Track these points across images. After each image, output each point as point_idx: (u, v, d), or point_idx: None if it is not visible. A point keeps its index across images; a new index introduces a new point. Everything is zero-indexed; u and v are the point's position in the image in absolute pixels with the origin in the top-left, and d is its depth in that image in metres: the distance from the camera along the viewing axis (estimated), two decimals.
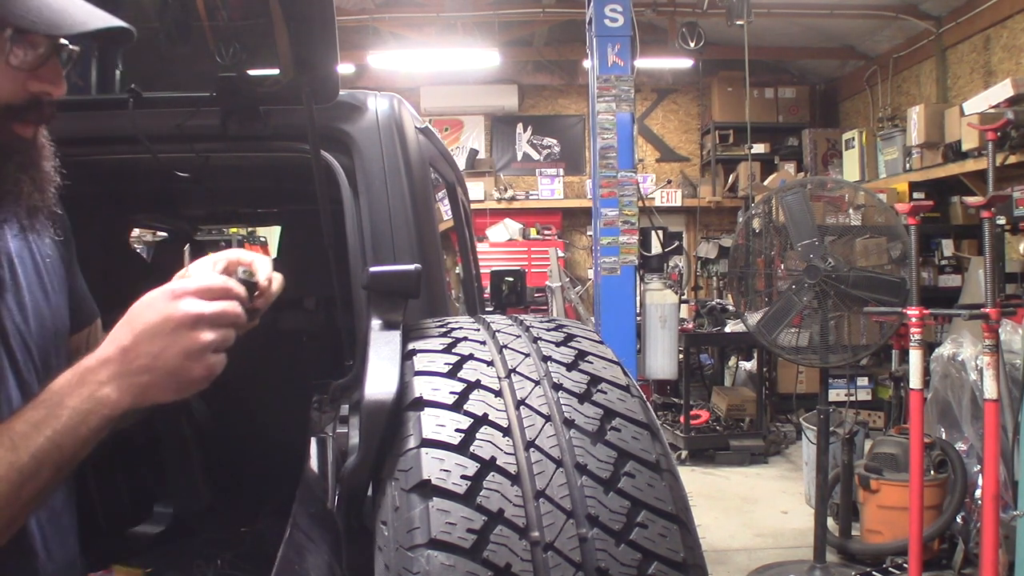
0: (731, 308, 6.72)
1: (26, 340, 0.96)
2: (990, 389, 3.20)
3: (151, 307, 0.84)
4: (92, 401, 0.81)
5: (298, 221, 2.72)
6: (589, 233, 9.26)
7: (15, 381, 0.93)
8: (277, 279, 0.97)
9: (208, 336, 0.83)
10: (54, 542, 1.00)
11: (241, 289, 0.89)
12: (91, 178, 0.98)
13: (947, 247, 7.09)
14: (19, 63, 0.84)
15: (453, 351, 0.92)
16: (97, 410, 0.81)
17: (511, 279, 2.88)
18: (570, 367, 0.90)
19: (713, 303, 7.31)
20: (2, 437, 0.78)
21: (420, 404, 0.84)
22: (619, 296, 5.37)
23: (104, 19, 0.87)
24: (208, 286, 0.86)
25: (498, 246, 9.74)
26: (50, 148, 0.92)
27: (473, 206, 3.66)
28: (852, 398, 5.26)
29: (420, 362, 0.90)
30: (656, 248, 6.87)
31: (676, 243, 8.60)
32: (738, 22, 6.68)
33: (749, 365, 7.47)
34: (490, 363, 0.91)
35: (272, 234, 7.97)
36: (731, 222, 9.94)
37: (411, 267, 0.97)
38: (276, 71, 1.35)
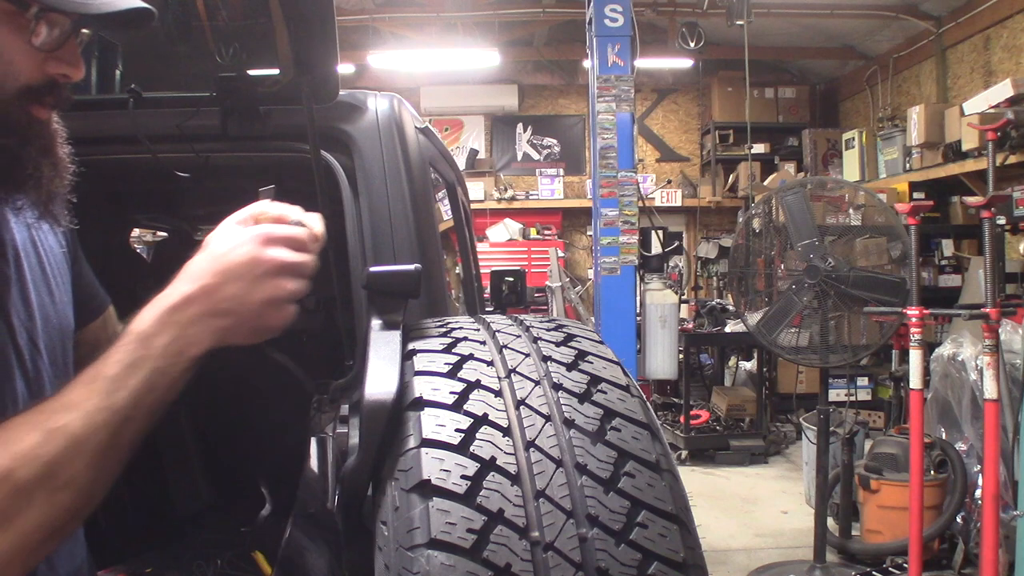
0: (731, 308, 6.72)
1: (32, 337, 0.95)
2: (990, 389, 3.20)
3: (239, 248, 0.83)
4: (181, 341, 0.79)
5: None
6: (589, 233, 9.26)
7: (22, 379, 0.92)
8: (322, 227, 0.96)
9: (291, 286, 0.83)
10: (58, 552, 0.99)
11: (316, 244, 0.89)
12: (91, 178, 0.98)
13: (947, 247, 7.10)
14: (40, 43, 0.83)
15: (453, 351, 0.92)
16: (186, 350, 0.80)
17: (511, 279, 2.88)
18: (570, 367, 0.90)
19: (713, 303, 7.31)
20: (96, 383, 0.77)
21: (420, 404, 0.84)
22: (619, 296, 5.38)
23: (127, 0, 0.86)
24: (294, 236, 0.86)
25: (498, 246, 9.74)
26: (64, 134, 0.92)
27: (473, 206, 3.66)
28: (852, 398, 5.26)
29: (420, 362, 0.90)
30: (656, 248, 6.87)
31: (676, 243, 8.58)
32: (738, 22, 6.68)
33: (749, 365, 7.48)
34: (490, 363, 0.90)
35: None
36: (731, 222, 9.94)
37: (411, 267, 0.97)
38: (276, 71, 1.35)
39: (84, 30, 0.87)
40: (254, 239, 0.84)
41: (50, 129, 0.89)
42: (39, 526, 0.71)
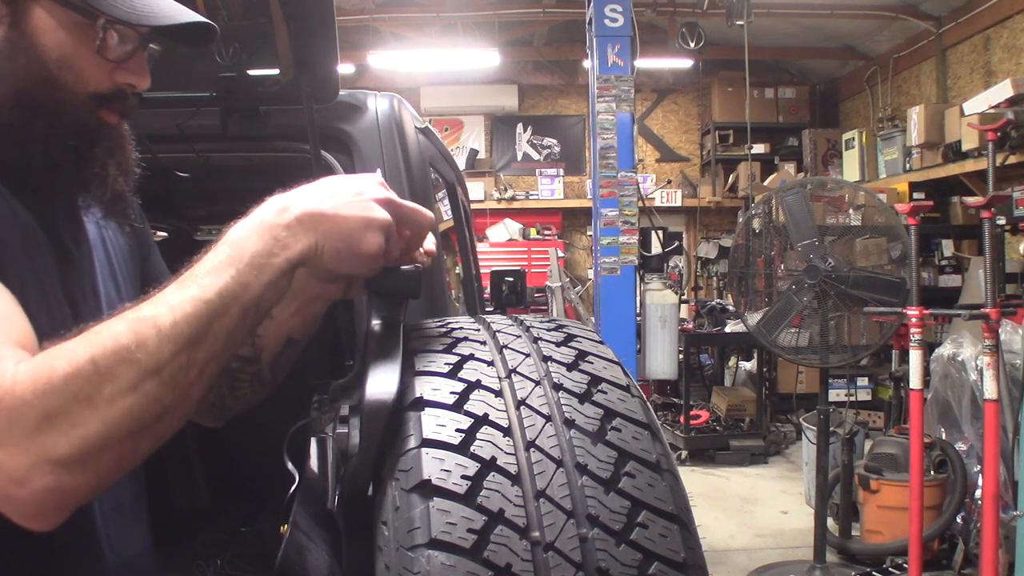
0: (731, 308, 6.72)
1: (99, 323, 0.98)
2: (990, 389, 3.20)
3: (352, 179, 0.88)
4: (275, 244, 0.81)
5: None
6: (589, 233, 9.26)
7: None
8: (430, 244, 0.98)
9: (383, 215, 0.85)
10: (117, 535, 1.00)
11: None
12: None
13: (947, 247, 7.10)
14: (107, 54, 0.88)
15: (453, 351, 0.92)
16: (279, 252, 0.80)
17: (511, 279, 2.88)
18: (570, 367, 0.90)
19: (713, 303, 7.31)
20: (186, 281, 0.78)
21: (420, 404, 0.84)
22: (619, 296, 5.37)
23: (189, 14, 0.90)
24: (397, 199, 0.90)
25: (498, 246, 9.74)
26: (132, 139, 0.96)
27: (473, 206, 3.66)
28: (852, 398, 5.26)
29: (420, 362, 0.90)
30: (656, 248, 6.87)
31: (676, 243, 8.59)
32: (738, 22, 6.68)
33: (749, 365, 7.48)
34: (490, 363, 0.90)
35: None
36: (731, 222, 9.94)
37: (412, 267, 0.97)
38: (276, 71, 1.36)
39: (152, 46, 0.93)
40: (368, 178, 0.88)
41: (119, 132, 0.93)
42: (127, 413, 0.71)
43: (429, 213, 0.93)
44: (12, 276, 0.82)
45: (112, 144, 0.92)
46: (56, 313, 0.90)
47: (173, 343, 0.74)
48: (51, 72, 0.86)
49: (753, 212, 4.59)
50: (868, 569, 4.10)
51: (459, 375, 0.88)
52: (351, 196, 0.84)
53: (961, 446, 4.18)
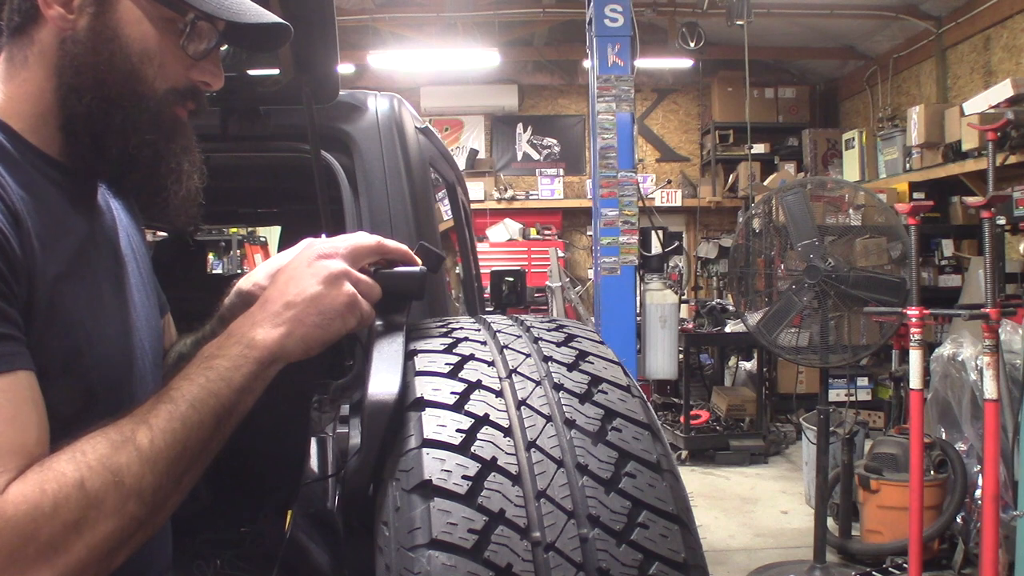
0: (731, 308, 6.72)
1: (139, 334, 0.99)
2: (990, 389, 3.20)
3: (292, 252, 0.91)
4: (242, 346, 0.85)
5: (298, 221, 2.72)
6: (589, 233, 9.26)
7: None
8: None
9: (346, 292, 0.88)
10: (157, 546, 1.01)
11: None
12: None
13: (947, 247, 7.09)
14: (191, 50, 0.89)
15: (454, 351, 0.92)
16: (247, 353, 0.84)
17: (511, 279, 2.87)
18: (571, 367, 0.90)
19: (713, 303, 7.31)
20: (162, 393, 0.81)
21: (421, 404, 0.84)
22: (619, 296, 5.37)
23: (270, 15, 0.92)
24: (356, 246, 0.94)
25: (498, 246, 9.74)
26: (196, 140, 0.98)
27: (473, 206, 3.65)
28: (852, 398, 5.26)
29: (421, 362, 0.90)
30: (656, 248, 6.86)
31: (676, 243, 8.57)
32: (738, 22, 6.68)
33: (749, 365, 7.47)
34: (491, 363, 0.90)
35: (272, 234, 7.98)
36: (731, 222, 9.94)
37: (416, 269, 0.97)
38: (276, 71, 1.36)
39: (225, 46, 0.96)
40: (322, 248, 0.92)
41: (190, 130, 0.95)
42: (109, 536, 0.72)
43: (369, 240, 0.96)
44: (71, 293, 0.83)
45: (187, 142, 0.93)
46: (112, 323, 0.91)
47: (153, 462, 0.75)
48: (133, 64, 0.86)
49: (753, 212, 4.59)
50: (868, 569, 4.10)
51: (460, 375, 0.88)
52: (308, 272, 0.88)
53: (961, 446, 4.18)
